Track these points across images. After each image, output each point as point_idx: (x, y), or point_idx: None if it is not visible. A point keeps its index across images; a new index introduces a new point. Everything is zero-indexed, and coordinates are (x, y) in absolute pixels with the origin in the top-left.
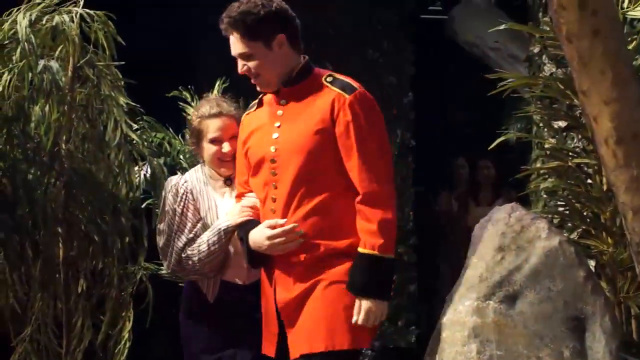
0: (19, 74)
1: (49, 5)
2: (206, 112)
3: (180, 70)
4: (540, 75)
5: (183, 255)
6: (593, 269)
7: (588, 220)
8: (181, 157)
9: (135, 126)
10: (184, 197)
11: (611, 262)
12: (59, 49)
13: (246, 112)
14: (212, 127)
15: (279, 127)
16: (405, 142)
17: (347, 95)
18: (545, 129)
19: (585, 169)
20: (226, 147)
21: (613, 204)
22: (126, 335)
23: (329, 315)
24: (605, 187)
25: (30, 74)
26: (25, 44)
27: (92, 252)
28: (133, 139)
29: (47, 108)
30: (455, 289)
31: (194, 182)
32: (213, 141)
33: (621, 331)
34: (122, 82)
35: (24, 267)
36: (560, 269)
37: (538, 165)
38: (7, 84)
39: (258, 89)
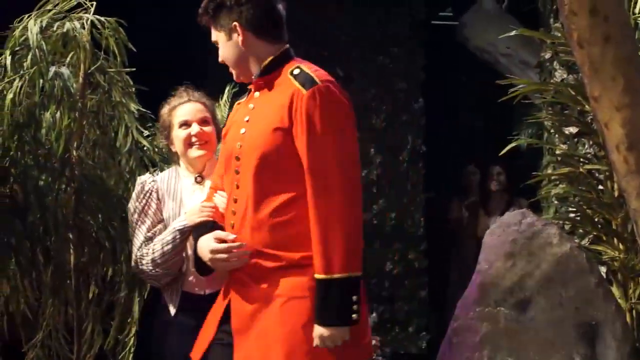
0: (30, 81)
1: (60, 11)
2: (175, 102)
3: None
4: (552, 81)
5: (138, 255)
6: (604, 275)
7: (599, 226)
8: None
9: (146, 132)
10: (147, 195)
11: (622, 268)
12: (70, 56)
13: (237, 101)
14: (180, 112)
15: (247, 121)
16: (416, 147)
17: (304, 91)
18: (557, 135)
19: (597, 175)
20: (195, 128)
21: (624, 210)
22: (131, 341)
23: (287, 334)
24: (616, 194)
25: (41, 81)
26: (36, 50)
27: (103, 258)
28: (144, 145)
29: (58, 114)
30: (466, 295)
31: (164, 181)
32: (181, 125)
33: (632, 337)
34: (133, 89)
35: (35, 273)
36: (571, 275)
37: (549, 171)
38: (18, 90)
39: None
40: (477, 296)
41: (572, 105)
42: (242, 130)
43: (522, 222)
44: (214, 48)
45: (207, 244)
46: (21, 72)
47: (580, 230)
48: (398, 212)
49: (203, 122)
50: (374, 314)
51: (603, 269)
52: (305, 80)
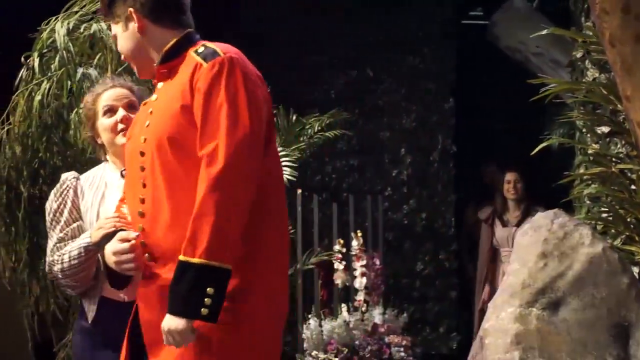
0: (58, 82)
1: (87, 13)
2: (99, 89)
3: None
4: (583, 80)
5: (50, 259)
6: (637, 276)
7: (632, 226)
8: None
9: None
10: (64, 193)
11: None
12: (97, 57)
13: (143, 102)
14: (104, 98)
15: (151, 113)
16: (446, 148)
17: (205, 64)
18: (589, 135)
19: (629, 174)
20: (121, 112)
21: None
22: None
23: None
24: None
25: (69, 82)
26: (64, 52)
27: None
28: None
29: None
30: (497, 295)
31: (88, 178)
32: (106, 112)
33: None
34: None
35: None
36: (603, 275)
37: (581, 171)
38: (46, 92)
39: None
40: (508, 297)
41: (604, 104)
42: (146, 123)
43: (554, 222)
44: (242, 47)
45: (110, 248)
46: (49, 74)
47: (613, 231)
48: (428, 212)
49: (130, 106)
50: (405, 314)
51: (635, 269)
52: (207, 54)
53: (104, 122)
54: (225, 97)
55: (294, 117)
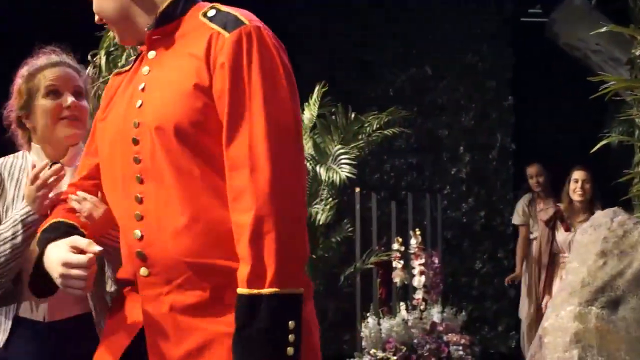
0: None
1: None
2: (42, 63)
3: None
4: None
5: None
6: None
7: None
8: None
9: None
10: None
11: None
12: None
13: (116, 71)
14: (49, 75)
15: (143, 90)
16: (505, 146)
17: (226, 34)
18: None
19: None
20: (68, 98)
21: None
22: None
23: None
24: None
25: None
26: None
27: None
28: None
29: None
30: (557, 294)
31: (6, 167)
32: (49, 93)
33: None
34: None
35: None
36: None
37: None
38: None
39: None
40: (568, 295)
41: None
42: (138, 103)
43: (613, 220)
44: (301, 46)
45: (58, 254)
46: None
47: None
48: (487, 210)
49: (77, 93)
50: (463, 313)
51: None
52: (228, 21)
53: (45, 104)
54: (260, 78)
55: (353, 115)
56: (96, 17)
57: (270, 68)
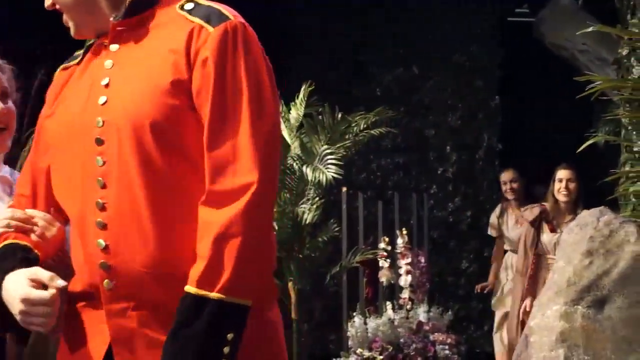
0: None
1: None
2: None
3: None
4: (629, 77)
5: None
6: None
7: None
8: None
9: None
10: None
11: None
12: None
13: (63, 65)
14: None
15: (107, 86)
16: (492, 145)
17: (210, 28)
18: (634, 132)
19: None
20: None
21: None
22: None
23: None
24: None
25: None
26: None
27: None
28: None
29: None
30: (543, 293)
31: None
32: None
33: None
34: None
35: None
36: None
37: (627, 168)
38: None
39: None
40: (554, 295)
41: None
42: (102, 100)
43: (599, 220)
44: (289, 45)
45: (17, 289)
46: None
47: None
48: (473, 210)
49: (2, 95)
50: (450, 312)
51: None
52: (210, 14)
53: None
54: (245, 77)
55: (339, 115)
56: (47, 1)
57: (255, 66)
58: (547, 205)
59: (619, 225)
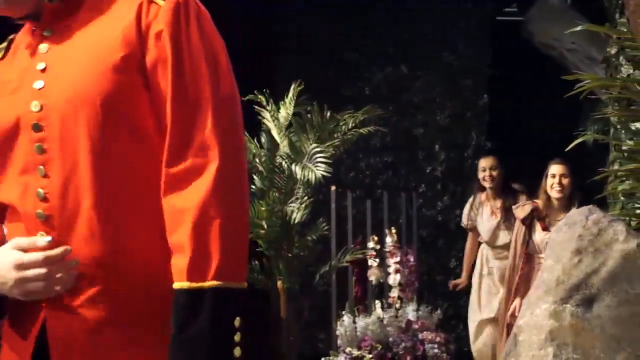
0: None
1: None
2: None
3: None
4: (618, 76)
5: None
6: None
7: None
8: (257, 160)
9: None
10: None
11: None
12: None
13: None
14: None
15: (44, 70)
16: (480, 144)
17: (161, 1)
18: (623, 131)
19: None
20: None
21: None
22: None
23: None
24: None
25: None
26: None
27: None
28: None
29: None
30: (532, 292)
31: None
32: None
33: None
34: None
35: None
36: (638, 271)
37: (615, 167)
38: None
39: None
40: (542, 293)
41: (638, 100)
42: (39, 85)
43: (588, 218)
44: (278, 44)
45: (6, 259)
46: None
47: None
48: (462, 209)
49: None
50: (439, 311)
51: None
52: None
53: None
54: (202, 52)
55: (328, 114)
56: None
57: (210, 40)
58: (540, 202)
59: (608, 224)
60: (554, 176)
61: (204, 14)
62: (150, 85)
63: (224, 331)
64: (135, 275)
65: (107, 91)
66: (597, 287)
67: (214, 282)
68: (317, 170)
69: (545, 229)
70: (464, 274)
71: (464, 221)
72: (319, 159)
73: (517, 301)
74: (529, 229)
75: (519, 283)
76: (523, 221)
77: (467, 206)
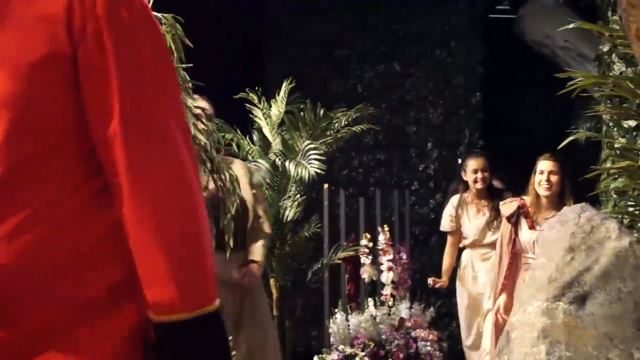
0: None
1: None
2: None
3: (245, 71)
4: (610, 74)
5: None
6: None
7: None
8: (249, 157)
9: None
10: None
11: None
12: None
13: None
14: None
15: None
16: (472, 142)
17: None
18: (615, 129)
19: None
20: None
21: None
22: None
23: None
24: None
25: None
26: None
27: None
28: (201, 141)
29: None
30: (524, 289)
31: None
32: None
33: None
34: (190, 84)
35: None
36: (630, 269)
37: (608, 165)
38: None
39: None
40: (535, 291)
41: (630, 98)
42: None
43: (580, 216)
44: (269, 42)
45: None
46: None
47: (639, 224)
48: None
49: None
50: (431, 309)
51: None
52: None
53: None
54: (152, 52)
55: (322, 112)
56: None
57: (155, 38)
58: (527, 199)
59: (600, 222)
60: (542, 172)
61: (145, 8)
62: (81, 92)
63: (200, 347)
64: (48, 291)
65: (19, 95)
66: (590, 285)
67: (193, 313)
68: (311, 167)
69: (532, 227)
70: (445, 277)
71: (448, 223)
72: (312, 156)
73: (501, 298)
74: (515, 227)
75: (504, 283)
76: (509, 219)
77: (451, 208)
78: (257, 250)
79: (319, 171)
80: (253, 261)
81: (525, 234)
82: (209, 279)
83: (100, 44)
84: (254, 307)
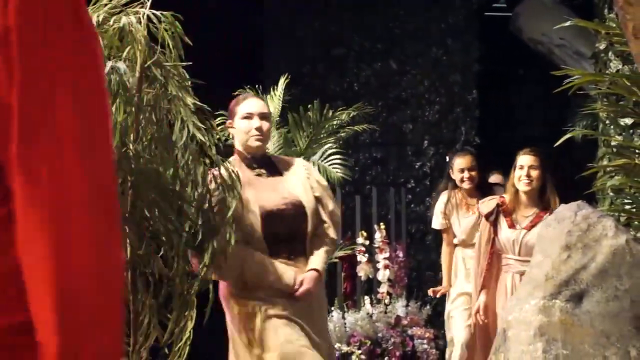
0: None
1: (116, 6)
2: None
3: (245, 69)
4: (607, 72)
5: None
6: None
7: None
8: None
9: (202, 126)
10: None
11: None
12: (127, 50)
13: None
14: None
15: None
16: (469, 140)
17: None
18: (612, 126)
19: None
20: None
21: None
22: (187, 334)
23: None
24: None
25: None
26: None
27: (158, 252)
28: (200, 139)
29: (114, 109)
30: (521, 287)
31: None
32: None
33: None
34: (189, 82)
35: None
36: (627, 267)
37: (604, 163)
38: None
39: None
40: (532, 289)
41: (627, 96)
42: None
43: (577, 214)
44: (269, 40)
45: None
46: None
47: (636, 222)
48: None
49: None
50: (428, 307)
51: None
52: None
53: None
54: (66, 58)
55: (330, 113)
56: None
57: (81, 43)
58: (507, 196)
59: (597, 220)
60: (522, 167)
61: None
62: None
63: None
64: None
65: None
66: (587, 283)
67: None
68: (336, 171)
69: (512, 226)
70: (446, 279)
71: (440, 221)
72: (335, 160)
73: (481, 299)
74: (495, 226)
75: (483, 284)
76: (487, 217)
77: (441, 205)
78: (317, 258)
79: (345, 177)
80: (313, 269)
81: (505, 233)
82: (112, 335)
83: (6, 43)
84: (313, 322)
